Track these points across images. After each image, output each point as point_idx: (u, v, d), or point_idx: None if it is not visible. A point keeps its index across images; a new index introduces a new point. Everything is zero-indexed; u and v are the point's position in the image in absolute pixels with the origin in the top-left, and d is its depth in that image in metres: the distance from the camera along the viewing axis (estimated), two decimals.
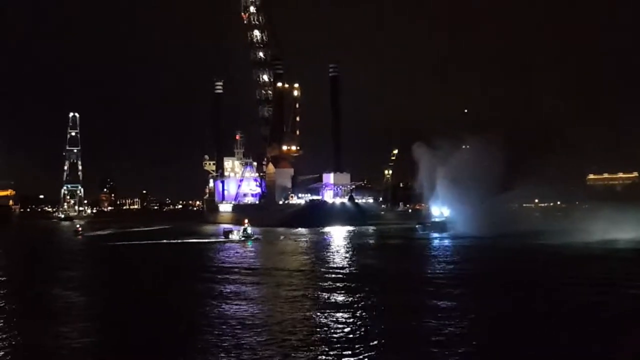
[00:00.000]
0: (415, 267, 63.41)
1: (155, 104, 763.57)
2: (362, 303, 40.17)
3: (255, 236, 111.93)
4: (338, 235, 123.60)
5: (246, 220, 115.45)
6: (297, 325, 32.91)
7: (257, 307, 39.12)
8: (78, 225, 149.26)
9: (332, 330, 31.82)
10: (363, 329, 32.14)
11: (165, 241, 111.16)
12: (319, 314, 36.31)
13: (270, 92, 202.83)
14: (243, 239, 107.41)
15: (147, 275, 59.71)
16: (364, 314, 36.33)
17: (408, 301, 40.85)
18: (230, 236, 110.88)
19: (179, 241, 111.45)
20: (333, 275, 54.97)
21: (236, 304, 40.09)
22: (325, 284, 49.67)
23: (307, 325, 33.04)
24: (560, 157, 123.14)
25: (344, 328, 32.21)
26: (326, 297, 42.88)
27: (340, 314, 35.66)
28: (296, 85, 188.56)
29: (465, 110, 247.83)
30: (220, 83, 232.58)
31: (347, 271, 59.77)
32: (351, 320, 34.23)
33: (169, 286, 51.18)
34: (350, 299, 41.84)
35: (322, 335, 30.84)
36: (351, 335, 30.75)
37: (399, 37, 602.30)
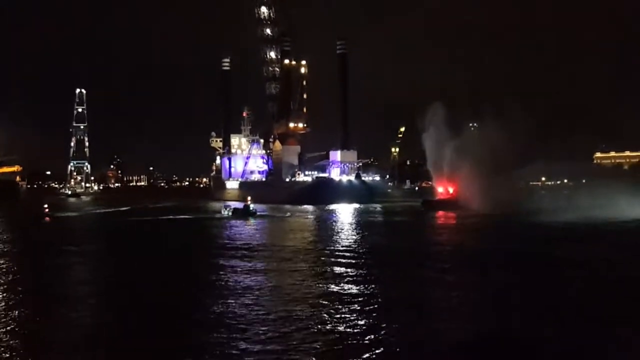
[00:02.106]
0: (420, 247, 63.13)
1: (163, 81, 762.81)
2: (369, 293, 37.55)
3: (259, 212, 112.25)
4: (345, 213, 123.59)
5: (249, 198, 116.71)
6: (300, 321, 30.40)
7: (258, 298, 36.30)
8: (46, 205, 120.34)
9: (338, 324, 30.26)
10: (370, 323, 30.26)
11: (165, 217, 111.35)
12: (324, 305, 33.92)
13: (277, 69, 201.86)
14: (228, 214, 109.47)
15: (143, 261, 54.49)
16: (371, 302, 34.54)
17: (414, 290, 39.38)
18: (223, 212, 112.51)
19: (181, 217, 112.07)
20: (339, 259, 52.60)
21: (238, 294, 37.32)
22: (331, 267, 47.95)
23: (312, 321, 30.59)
24: (568, 135, 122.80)
25: (349, 322, 30.58)
26: (331, 284, 40.80)
27: (346, 305, 33.79)
28: (303, 62, 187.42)
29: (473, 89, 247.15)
30: (228, 60, 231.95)
31: (353, 252, 57.70)
32: (358, 312, 32.29)
33: (166, 272, 47.67)
34: (356, 287, 39.37)
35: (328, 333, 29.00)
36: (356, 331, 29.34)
37: (407, 14, 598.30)
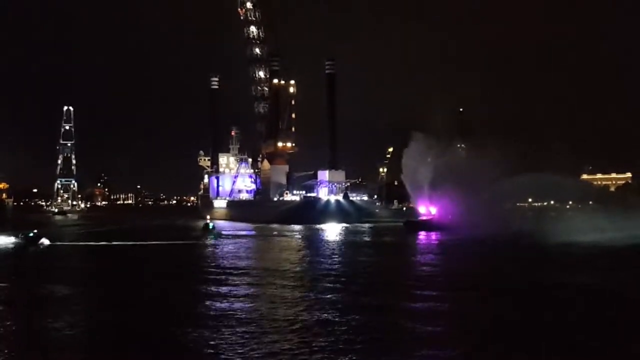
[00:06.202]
0: (404, 269, 62.94)
1: (151, 99, 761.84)
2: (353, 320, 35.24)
3: (221, 232, 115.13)
4: (332, 233, 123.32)
5: (208, 216, 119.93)
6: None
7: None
8: None
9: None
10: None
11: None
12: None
13: (266, 88, 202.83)
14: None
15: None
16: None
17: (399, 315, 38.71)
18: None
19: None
20: (325, 282, 51.34)
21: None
22: (314, 291, 47.10)
23: None
24: (554, 157, 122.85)
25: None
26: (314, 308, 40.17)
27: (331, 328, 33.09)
28: (292, 82, 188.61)
29: (461, 109, 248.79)
30: (216, 79, 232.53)
31: (339, 274, 56.47)
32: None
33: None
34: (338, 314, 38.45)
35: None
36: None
37: (397, 35, 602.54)
